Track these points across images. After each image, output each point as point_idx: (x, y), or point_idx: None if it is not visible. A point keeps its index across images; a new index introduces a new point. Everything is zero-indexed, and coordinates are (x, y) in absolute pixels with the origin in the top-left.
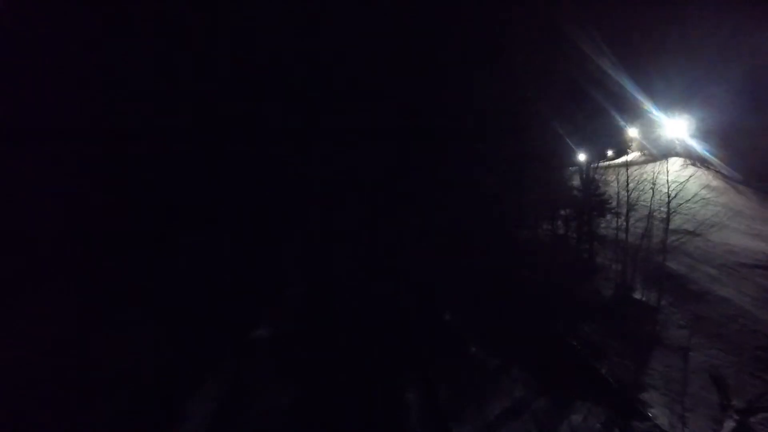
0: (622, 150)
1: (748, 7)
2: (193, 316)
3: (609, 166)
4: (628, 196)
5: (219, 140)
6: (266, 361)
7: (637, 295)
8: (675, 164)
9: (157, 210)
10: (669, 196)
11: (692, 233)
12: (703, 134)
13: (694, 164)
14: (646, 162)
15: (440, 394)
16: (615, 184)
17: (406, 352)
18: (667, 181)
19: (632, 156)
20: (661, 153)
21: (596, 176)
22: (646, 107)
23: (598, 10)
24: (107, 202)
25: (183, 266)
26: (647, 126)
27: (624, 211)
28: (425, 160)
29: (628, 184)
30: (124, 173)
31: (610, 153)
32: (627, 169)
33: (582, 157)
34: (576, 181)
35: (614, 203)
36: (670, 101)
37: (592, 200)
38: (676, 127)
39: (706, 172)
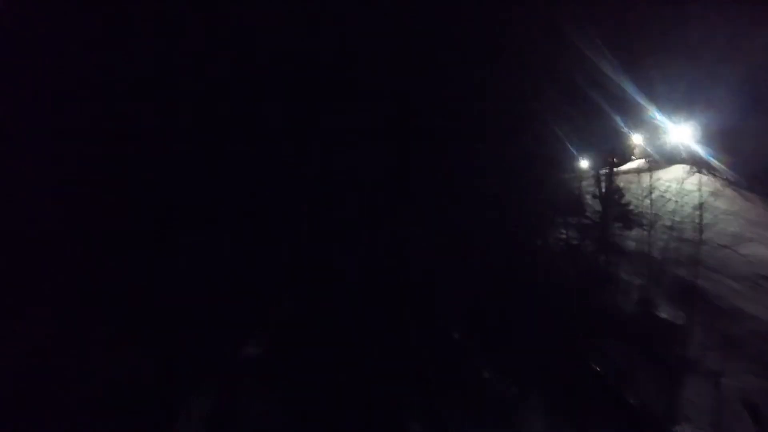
0: (625, 156)
1: (753, 6)
2: (193, 316)
3: (617, 173)
4: (651, 206)
5: (219, 140)
6: (266, 362)
7: (661, 313)
8: (680, 171)
9: (157, 210)
10: (701, 208)
11: (707, 244)
12: (708, 139)
13: (699, 171)
14: (650, 169)
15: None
16: (626, 192)
17: (409, 371)
18: (700, 191)
19: (636, 163)
20: (665, 159)
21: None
22: (649, 112)
23: (600, 11)
24: (107, 202)
25: (183, 266)
26: (651, 132)
27: (642, 221)
28: (425, 160)
29: (651, 193)
30: (124, 173)
31: (613, 159)
32: (650, 177)
33: (584, 163)
34: (588, 188)
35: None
36: (674, 106)
37: (616, 210)
38: (681, 132)
39: (712, 178)
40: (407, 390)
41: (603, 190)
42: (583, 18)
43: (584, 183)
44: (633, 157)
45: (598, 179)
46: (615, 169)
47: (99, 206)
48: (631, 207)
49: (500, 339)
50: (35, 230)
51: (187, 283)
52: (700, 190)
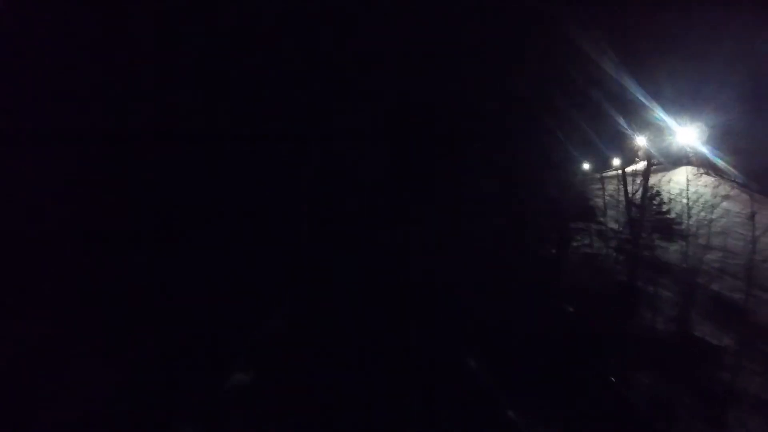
0: (630, 158)
1: (759, 6)
2: (194, 316)
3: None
4: (688, 213)
5: (219, 140)
6: (266, 362)
7: (697, 332)
8: (687, 173)
9: (157, 210)
10: (754, 216)
11: (730, 251)
12: (715, 140)
13: (707, 173)
14: (656, 171)
15: None
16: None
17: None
18: (751, 200)
19: (641, 165)
20: (670, 161)
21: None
22: (654, 113)
23: (604, 12)
24: (107, 202)
25: (183, 266)
26: (656, 133)
27: (682, 231)
28: (426, 161)
29: (688, 200)
30: (124, 173)
31: (616, 162)
32: (687, 180)
33: (587, 165)
34: (597, 191)
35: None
36: (679, 107)
37: (654, 219)
38: (687, 134)
39: (721, 181)
40: (407, 391)
41: (634, 193)
42: (587, 19)
43: (590, 186)
44: (637, 159)
45: (624, 181)
46: (648, 170)
47: (99, 206)
48: (672, 215)
49: (505, 350)
50: (35, 230)
51: (187, 283)
52: (709, 192)
